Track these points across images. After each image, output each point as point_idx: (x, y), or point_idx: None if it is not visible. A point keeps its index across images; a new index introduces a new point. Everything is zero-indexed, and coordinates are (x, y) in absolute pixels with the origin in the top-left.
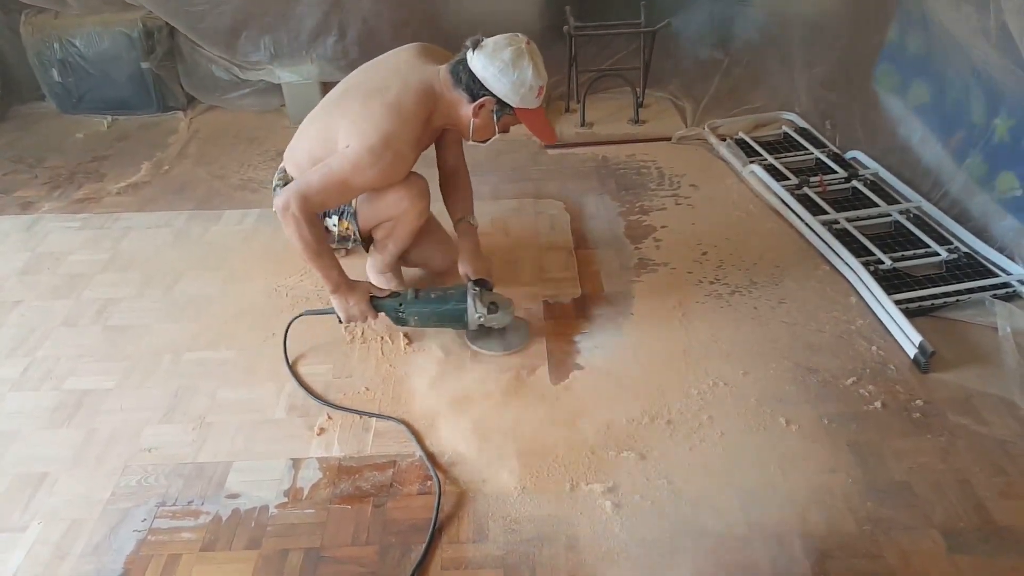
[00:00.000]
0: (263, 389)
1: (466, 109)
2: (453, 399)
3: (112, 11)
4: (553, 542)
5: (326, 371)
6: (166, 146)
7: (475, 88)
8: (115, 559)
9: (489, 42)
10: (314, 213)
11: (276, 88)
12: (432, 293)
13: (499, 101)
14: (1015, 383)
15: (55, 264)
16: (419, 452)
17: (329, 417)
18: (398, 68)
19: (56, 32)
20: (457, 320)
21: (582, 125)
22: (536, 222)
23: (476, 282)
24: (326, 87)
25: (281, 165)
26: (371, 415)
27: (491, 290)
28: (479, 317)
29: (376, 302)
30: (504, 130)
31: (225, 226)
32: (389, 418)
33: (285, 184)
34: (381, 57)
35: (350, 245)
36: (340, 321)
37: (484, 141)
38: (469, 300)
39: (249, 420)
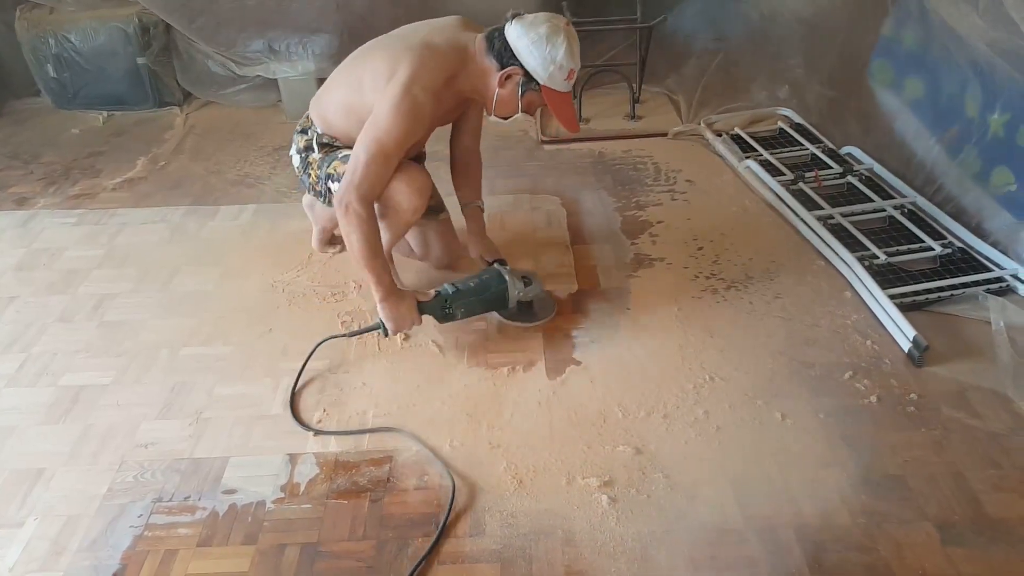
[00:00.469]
0: (260, 385)
1: (493, 79)
2: (449, 394)
3: (108, 6)
4: (550, 536)
5: (323, 366)
6: (162, 142)
7: (505, 56)
8: (112, 555)
9: (528, 15)
10: (371, 204)
11: (272, 83)
12: (470, 282)
13: (527, 75)
14: (1008, 377)
15: (51, 260)
16: (430, 454)
17: (325, 411)
18: (433, 27)
19: (51, 27)
20: (500, 301)
21: (578, 120)
22: (532, 217)
23: (496, 262)
24: (322, 83)
25: (306, 113)
26: (367, 431)
27: (507, 266)
28: (518, 293)
29: (420, 306)
30: (528, 110)
31: (221, 221)
32: (389, 430)
33: (302, 131)
34: (423, 21)
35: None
36: (386, 334)
37: (506, 117)
38: (508, 279)
39: (246, 415)
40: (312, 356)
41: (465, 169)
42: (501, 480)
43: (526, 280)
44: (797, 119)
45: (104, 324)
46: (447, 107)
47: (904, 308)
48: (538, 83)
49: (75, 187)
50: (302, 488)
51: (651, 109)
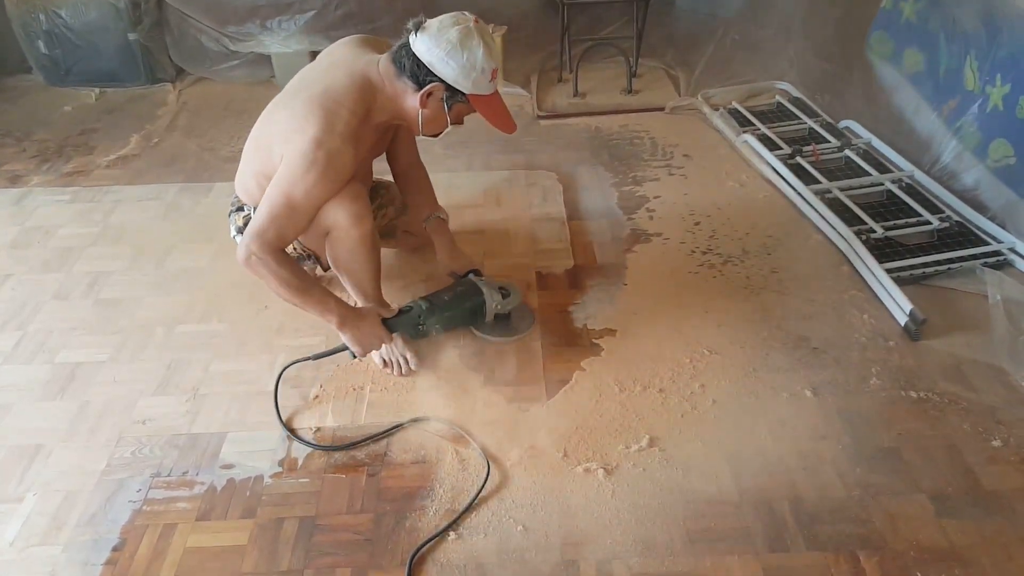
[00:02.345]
0: (256, 361)
1: (412, 100)
2: (445, 369)
3: None
4: (547, 509)
5: (318, 343)
6: (155, 118)
7: (420, 74)
8: (111, 529)
9: (433, 22)
10: (278, 250)
11: (265, 59)
12: (444, 295)
13: (449, 87)
14: (1004, 350)
15: (45, 237)
16: (474, 445)
17: (322, 386)
18: (330, 65)
19: (41, 3)
20: (477, 314)
21: (575, 95)
22: (529, 193)
23: (471, 273)
24: (315, 56)
25: (234, 195)
26: (389, 432)
27: (482, 276)
28: (496, 305)
29: (390, 323)
30: (457, 121)
31: (216, 198)
32: (396, 428)
33: (238, 209)
34: (316, 59)
35: (308, 264)
36: (354, 356)
37: (436, 135)
38: (485, 291)
39: (243, 391)
40: (303, 331)
41: (414, 183)
42: (497, 455)
43: (504, 291)
44: (795, 93)
45: (99, 302)
46: (371, 143)
47: (901, 282)
48: (463, 93)
49: (68, 164)
50: (300, 462)
51: (648, 83)
